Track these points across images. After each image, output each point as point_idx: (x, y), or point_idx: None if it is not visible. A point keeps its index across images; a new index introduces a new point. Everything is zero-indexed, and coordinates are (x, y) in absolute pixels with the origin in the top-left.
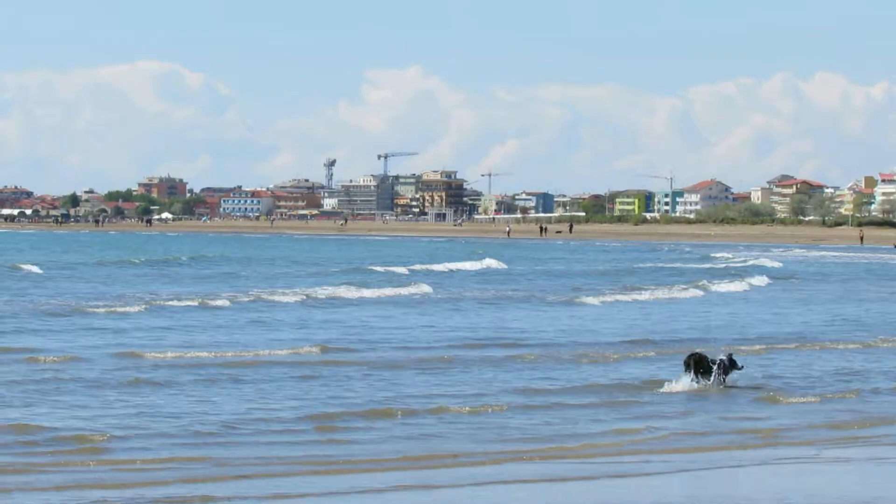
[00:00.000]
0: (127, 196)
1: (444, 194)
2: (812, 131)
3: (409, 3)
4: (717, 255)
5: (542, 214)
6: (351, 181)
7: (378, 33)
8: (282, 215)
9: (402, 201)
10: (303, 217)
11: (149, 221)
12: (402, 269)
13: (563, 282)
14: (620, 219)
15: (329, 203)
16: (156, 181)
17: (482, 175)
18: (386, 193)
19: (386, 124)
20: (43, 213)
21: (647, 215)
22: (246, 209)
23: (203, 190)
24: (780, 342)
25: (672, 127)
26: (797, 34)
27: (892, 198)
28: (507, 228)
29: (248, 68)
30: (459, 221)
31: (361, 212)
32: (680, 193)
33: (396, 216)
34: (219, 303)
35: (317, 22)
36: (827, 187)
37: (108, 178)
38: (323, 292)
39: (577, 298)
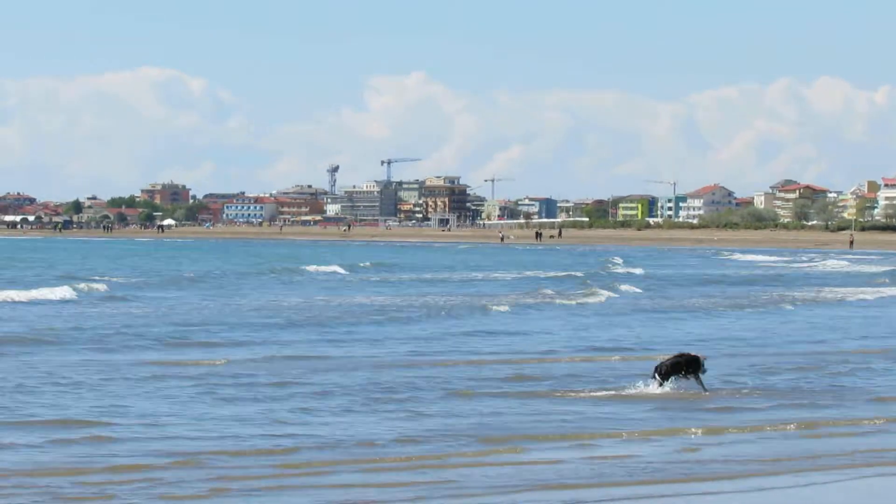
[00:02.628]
0: (130, 203)
1: (447, 200)
2: (815, 136)
3: (411, 10)
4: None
5: (545, 220)
6: (354, 187)
7: (380, 40)
8: (285, 221)
9: (405, 207)
10: (306, 223)
11: (161, 228)
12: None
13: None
14: (624, 224)
15: (332, 209)
16: (159, 188)
17: (485, 181)
18: (389, 199)
19: (389, 130)
20: (45, 219)
21: (651, 220)
22: (249, 215)
23: (206, 196)
24: None
25: (675, 132)
26: (799, 40)
27: (895, 202)
28: (501, 234)
29: (250, 75)
30: (447, 228)
31: (364, 217)
32: (683, 199)
33: (399, 222)
34: None
35: (320, 29)
36: (830, 192)
37: (110, 185)
38: None
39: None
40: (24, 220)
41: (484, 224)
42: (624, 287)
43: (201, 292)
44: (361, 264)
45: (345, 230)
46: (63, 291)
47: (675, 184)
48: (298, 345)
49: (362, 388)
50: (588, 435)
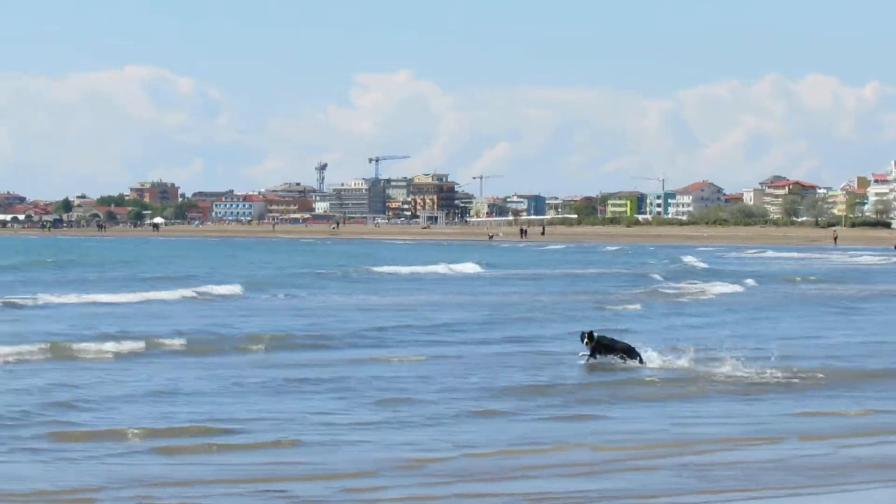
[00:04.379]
0: (119, 201)
1: (435, 197)
2: (804, 132)
3: (397, 6)
4: None
5: (534, 217)
6: (342, 185)
7: (367, 36)
8: (274, 219)
9: (393, 204)
10: (295, 221)
11: (156, 226)
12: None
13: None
14: (612, 221)
15: (321, 206)
16: (148, 186)
17: (474, 178)
18: (378, 197)
19: (376, 128)
20: (36, 218)
21: (640, 217)
22: (238, 213)
23: (195, 194)
24: None
25: (663, 129)
26: (787, 36)
27: (885, 198)
28: (490, 233)
29: (238, 72)
30: (427, 225)
31: (353, 215)
32: (672, 195)
33: (388, 219)
34: None
35: (306, 25)
36: (819, 188)
37: (100, 183)
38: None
39: None
40: (15, 219)
41: (472, 221)
42: (748, 281)
43: (349, 287)
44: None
45: (333, 228)
46: (233, 288)
47: (663, 180)
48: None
49: None
50: None
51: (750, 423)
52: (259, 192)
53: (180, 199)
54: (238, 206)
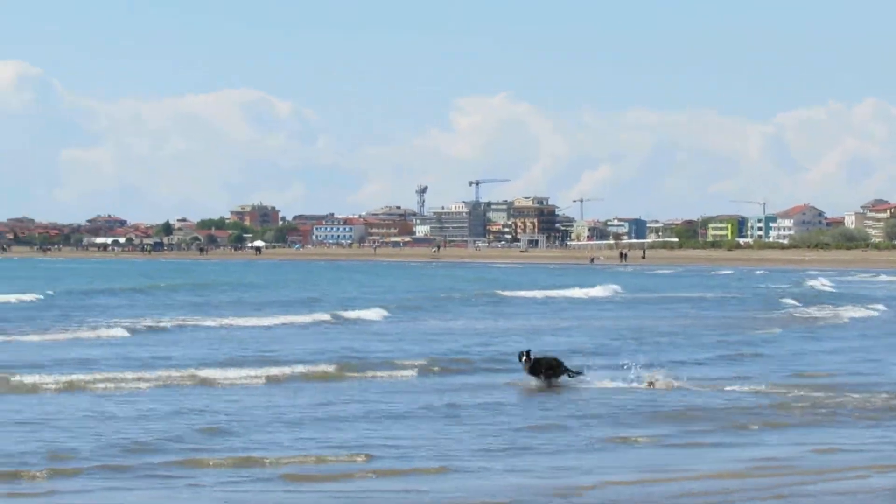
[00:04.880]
0: (220, 224)
1: (535, 220)
2: None
3: (497, 30)
4: None
5: (634, 240)
6: (443, 208)
7: (466, 60)
8: (374, 242)
9: (494, 228)
10: (395, 244)
11: (258, 250)
12: None
13: None
14: (713, 244)
15: (421, 230)
16: (248, 209)
17: (574, 201)
18: (478, 220)
19: (476, 151)
20: (136, 241)
21: (741, 241)
22: (338, 237)
23: (295, 217)
24: None
25: (764, 152)
26: (886, 59)
27: None
28: (591, 256)
29: (337, 96)
30: (525, 249)
31: (453, 238)
32: (773, 219)
33: (489, 243)
34: None
35: (406, 50)
36: None
37: (200, 207)
38: None
39: None
40: (115, 243)
41: (572, 245)
42: (878, 305)
43: (486, 311)
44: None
45: (434, 251)
46: (374, 312)
47: (764, 204)
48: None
49: None
50: None
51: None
52: (359, 216)
53: (280, 223)
54: (338, 229)
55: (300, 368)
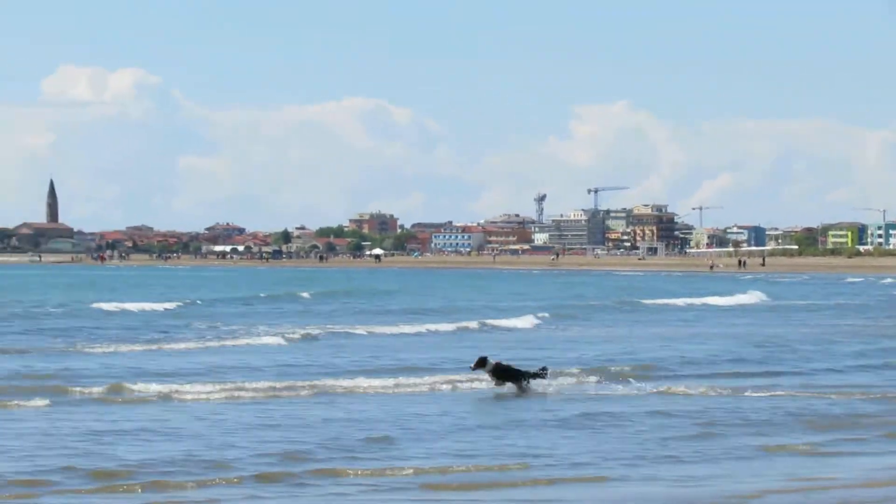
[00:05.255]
0: (338, 232)
1: (654, 228)
2: None
3: (615, 39)
4: None
5: (754, 248)
6: (561, 216)
7: (585, 68)
8: (493, 250)
9: (613, 235)
10: (514, 252)
11: (377, 257)
12: None
13: None
14: (833, 252)
15: (540, 238)
16: (367, 217)
17: (693, 208)
18: (597, 228)
19: (595, 159)
20: (255, 249)
21: (861, 248)
22: (457, 245)
23: (414, 225)
24: None
25: (884, 159)
26: None
27: None
28: (710, 263)
29: (456, 104)
30: (642, 256)
31: (572, 246)
32: (894, 226)
33: (608, 250)
34: None
35: (525, 58)
36: None
37: (318, 215)
38: None
39: None
40: (234, 251)
41: (691, 252)
42: None
43: (638, 318)
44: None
45: (553, 259)
46: (526, 320)
47: (884, 211)
48: None
49: None
50: None
51: None
52: (478, 224)
53: (399, 231)
54: (457, 237)
55: (454, 377)
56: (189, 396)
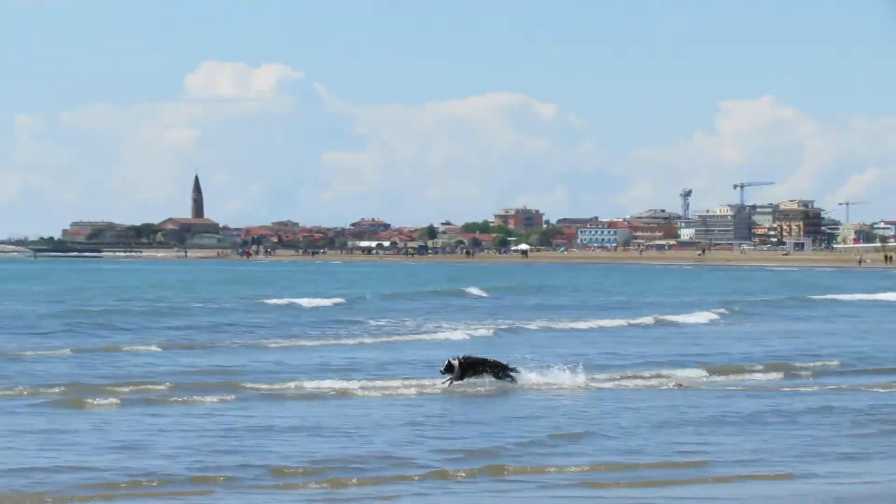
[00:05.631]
0: (484, 228)
1: (801, 223)
2: None
3: (760, 35)
4: None
5: None
6: (707, 211)
7: (730, 65)
8: (638, 246)
9: (759, 231)
10: (660, 247)
11: (524, 253)
12: None
13: None
14: None
15: (686, 233)
16: (512, 212)
17: (840, 204)
18: (743, 223)
19: (741, 154)
20: (400, 245)
21: None
22: (602, 240)
23: (559, 221)
24: None
25: None
26: None
27: None
28: (858, 258)
29: (601, 100)
30: (787, 252)
31: (718, 242)
32: None
33: (754, 246)
34: None
35: (671, 54)
36: None
37: (463, 210)
38: None
39: None
40: (380, 246)
41: (838, 248)
42: None
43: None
44: None
45: (699, 254)
46: (705, 315)
47: None
48: None
49: None
50: None
51: None
52: (623, 219)
53: (544, 226)
54: (602, 232)
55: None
56: (375, 393)
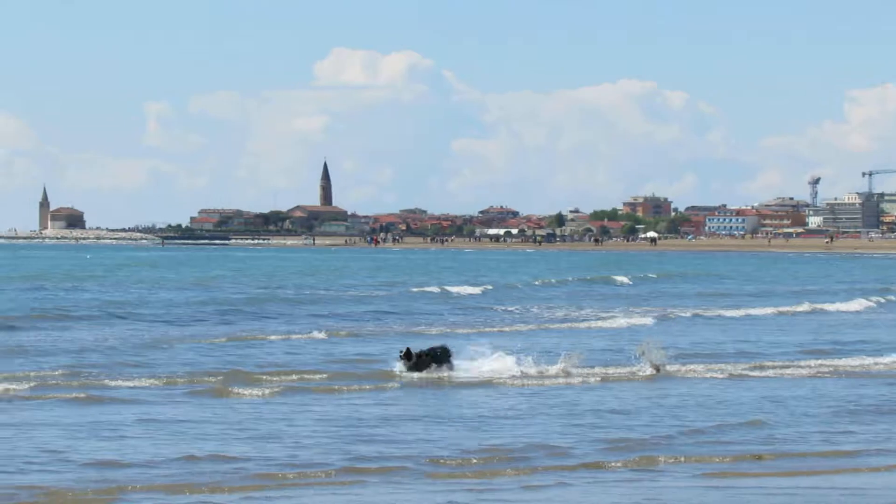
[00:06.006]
0: (612, 215)
1: None
2: None
3: (885, 23)
4: None
5: None
6: (835, 199)
7: (858, 51)
8: (766, 234)
9: (887, 219)
10: (788, 235)
11: (653, 240)
12: None
13: None
14: None
15: (813, 221)
16: (640, 200)
17: None
18: (871, 211)
19: (870, 142)
20: (528, 232)
21: None
22: (730, 228)
23: (688, 209)
24: None
25: None
26: None
27: None
28: None
29: (730, 88)
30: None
31: (846, 230)
32: None
33: (882, 234)
34: None
35: (800, 42)
36: None
37: (592, 198)
38: None
39: None
40: (508, 234)
41: None
42: None
43: None
44: None
45: (827, 242)
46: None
47: None
48: None
49: None
50: None
51: None
52: (751, 207)
53: (673, 214)
54: (731, 220)
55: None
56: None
